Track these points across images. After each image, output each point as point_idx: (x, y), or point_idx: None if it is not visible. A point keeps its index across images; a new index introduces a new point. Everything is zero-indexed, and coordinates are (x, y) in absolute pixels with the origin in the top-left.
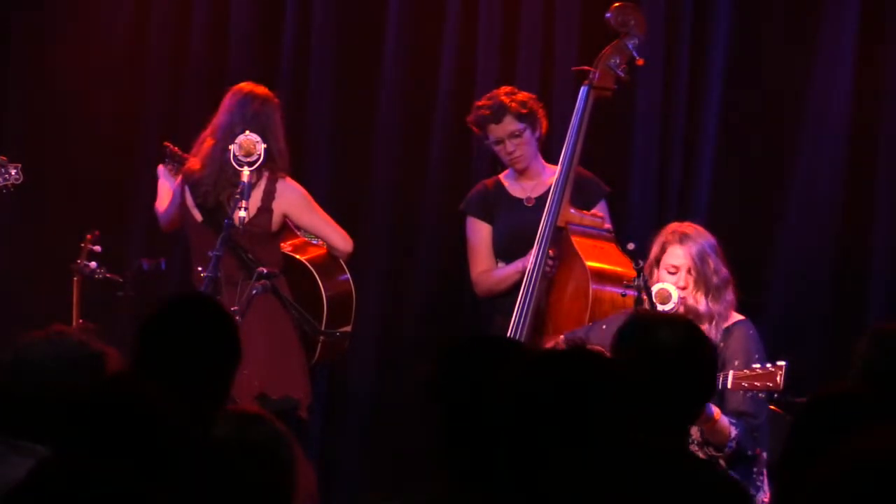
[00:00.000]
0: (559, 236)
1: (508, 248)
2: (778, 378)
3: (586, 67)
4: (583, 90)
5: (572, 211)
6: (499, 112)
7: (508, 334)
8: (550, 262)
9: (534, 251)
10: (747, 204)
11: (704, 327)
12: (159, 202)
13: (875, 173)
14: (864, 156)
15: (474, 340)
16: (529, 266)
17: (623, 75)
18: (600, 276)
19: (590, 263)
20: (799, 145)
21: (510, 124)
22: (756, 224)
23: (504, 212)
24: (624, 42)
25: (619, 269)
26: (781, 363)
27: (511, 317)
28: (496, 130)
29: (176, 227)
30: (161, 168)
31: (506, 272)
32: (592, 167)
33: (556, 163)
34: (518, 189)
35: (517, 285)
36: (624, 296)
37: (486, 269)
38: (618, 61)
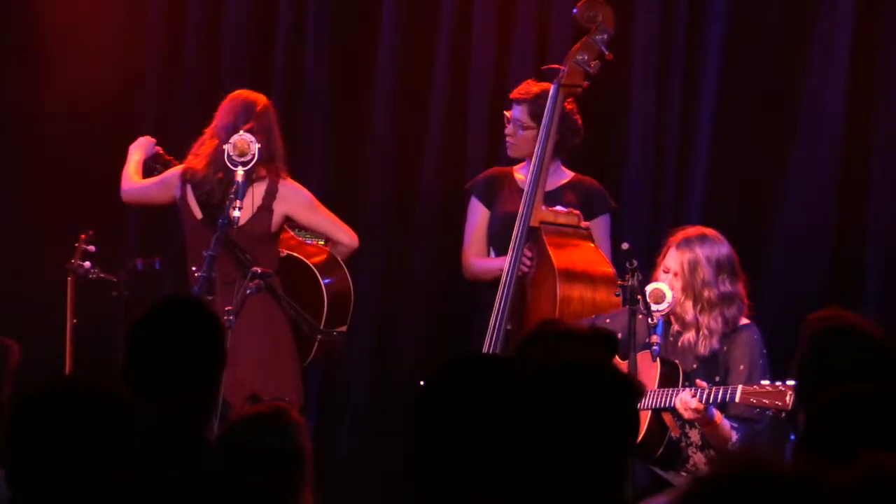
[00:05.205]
0: (535, 236)
1: (503, 236)
2: (787, 398)
3: (555, 66)
4: (552, 88)
5: (545, 209)
6: (521, 100)
7: (487, 335)
8: (528, 263)
9: (509, 252)
10: (742, 202)
11: (691, 335)
12: (144, 182)
13: (869, 172)
14: (858, 154)
15: (459, 359)
16: (505, 267)
17: (592, 71)
18: (569, 276)
19: (558, 263)
20: (794, 145)
21: (521, 114)
22: (751, 222)
23: (505, 198)
24: (592, 38)
25: (590, 267)
26: (791, 382)
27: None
28: (513, 111)
29: (138, 204)
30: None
31: (489, 266)
32: (589, 166)
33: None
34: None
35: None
36: (617, 295)
37: (476, 253)
38: (586, 58)
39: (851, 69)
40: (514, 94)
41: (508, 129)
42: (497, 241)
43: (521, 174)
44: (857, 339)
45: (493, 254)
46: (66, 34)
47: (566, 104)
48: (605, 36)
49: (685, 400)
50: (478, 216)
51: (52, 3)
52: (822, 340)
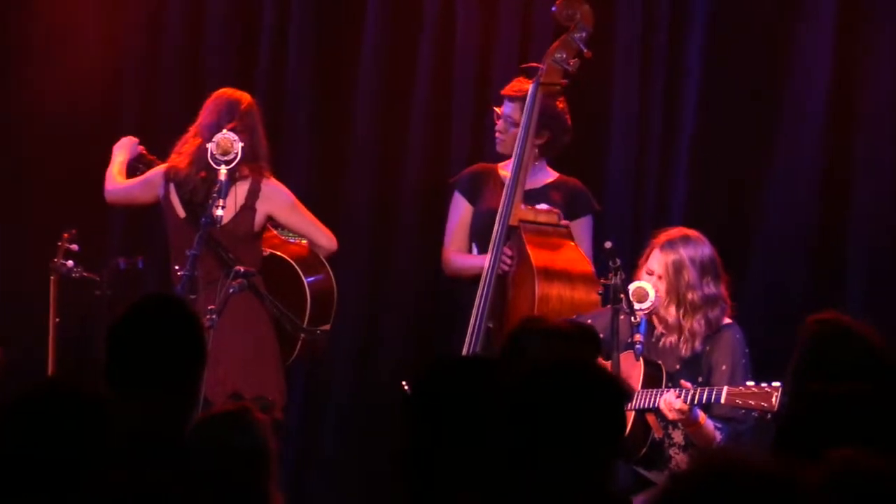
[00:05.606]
0: (515, 234)
1: (486, 232)
2: (773, 399)
3: (534, 64)
4: (531, 87)
5: (525, 207)
6: (514, 97)
7: (468, 334)
8: (508, 262)
9: (489, 251)
10: (725, 202)
11: (673, 338)
12: (128, 182)
13: (852, 171)
14: (842, 154)
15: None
16: (485, 266)
17: (571, 69)
18: (547, 274)
19: (537, 261)
20: (777, 144)
21: (513, 111)
22: (734, 222)
23: (489, 194)
24: (571, 36)
25: (569, 266)
26: (777, 384)
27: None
28: (504, 107)
29: (122, 204)
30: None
31: (469, 263)
32: (571, 166)
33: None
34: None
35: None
36: (599, 294)
37: (457, 249)
38: (564, 56)
39: (834, 68)
40: (507, 90)
41: (499, 126)
42: (479, 237)
43: (507, 171)
44: (856, 343)
45: (475, 250)
46: (48, 34)
47: (558, 103)
48: (584, 34)
49: (670, 401)
50: (460, 211)
51: (35, 4)
52: (820, 343)
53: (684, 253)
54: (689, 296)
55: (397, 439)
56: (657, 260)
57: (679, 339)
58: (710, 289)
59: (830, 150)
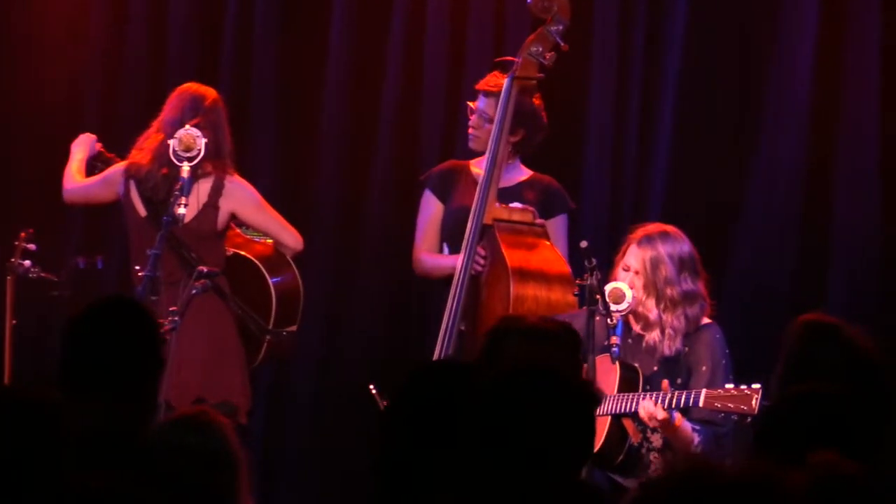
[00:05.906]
0: (489, 233)
1: (457, 231)
2: (753, 402)
3: (509, 58)
4: (506, 81)
5: (499, 206)
6: (489, 92)
7: (440, 336)
8: (482, 262)
9: (462, 251)
10: (704, 201)
11: (655, 335)
12: (86, 180)
13: (835, 170)
14: (824, 151)
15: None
16: (458, 266)
17: (547, 63)
18: (522, 274)
19: (511, 261)
20: (757, 142)
21: (488, 106)
22: (714, 221)
23: (461, 192)
24: (547, 29)
25: (545, 266)
26: (756, 386)
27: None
28: (478, 102)
29: (81, 203)
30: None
31: (440, 263)
32: (546, 163)
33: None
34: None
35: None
36: (576, 295)
37: (428, 248)
38: (540, 49)
39: (816, 65)
40: (482, 85)
41: (473, 121)
42: (451, 236)
43: (479, 168)
44: (844, 344)
45: (446, 249)
46: (7, 30)
47: (534, 100)
48: (561, 27)
49: (651, 411)
50: (431, 210)
51: None
52: (808, 344)
53: (662, 249)
54: (668, 291)
55: (374, 443)
56: (634, 255)
57: (662, 336)
58: (689, 285)
59: (812, 147)
